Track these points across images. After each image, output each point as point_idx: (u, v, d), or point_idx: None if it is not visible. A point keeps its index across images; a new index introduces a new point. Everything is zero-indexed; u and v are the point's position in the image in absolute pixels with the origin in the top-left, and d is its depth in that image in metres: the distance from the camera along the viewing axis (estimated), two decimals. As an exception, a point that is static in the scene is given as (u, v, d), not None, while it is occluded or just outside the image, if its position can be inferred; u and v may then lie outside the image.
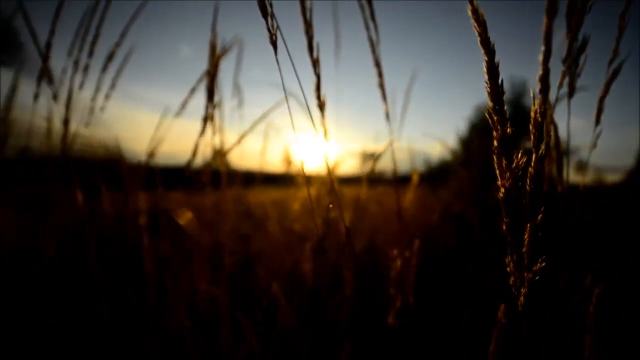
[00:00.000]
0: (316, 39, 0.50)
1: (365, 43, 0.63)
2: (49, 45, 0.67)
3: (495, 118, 0.27)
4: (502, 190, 0.28)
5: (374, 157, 1.56)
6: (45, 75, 0.67)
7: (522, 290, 0.30)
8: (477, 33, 0.24)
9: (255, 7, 0.40)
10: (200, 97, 0.79)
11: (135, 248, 0.84)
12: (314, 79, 0.51)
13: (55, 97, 0.75)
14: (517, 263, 0.30)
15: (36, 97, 0.68)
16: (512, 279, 0.30)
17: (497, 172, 0.28)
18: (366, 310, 0.73)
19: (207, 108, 0.69)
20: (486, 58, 0.25)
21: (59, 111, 0.81)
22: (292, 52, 0.41)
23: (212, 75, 0.69)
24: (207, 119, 0.69)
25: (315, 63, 0.50)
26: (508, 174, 0.28)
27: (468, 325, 0.74)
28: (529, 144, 0.30)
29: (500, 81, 0.25)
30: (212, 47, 0.70)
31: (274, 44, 0.40)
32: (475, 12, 0.24)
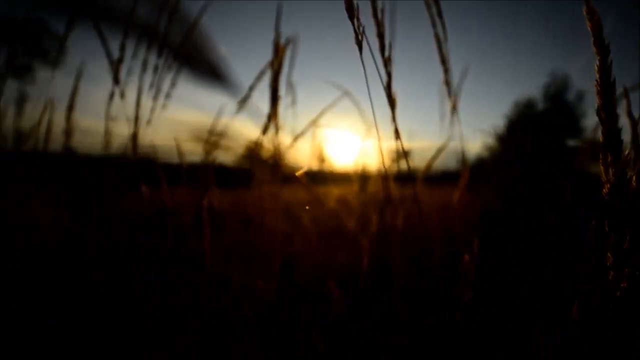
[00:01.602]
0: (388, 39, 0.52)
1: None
2: (123, 47, 0.71)
3: (603, 115, 0.28)
4: (607, 186, 0.29)
5: (407, 155, 1.56)
6: (117, 75, 0.72)
7: (621, 285, 0.32)
8: (591, 34, 0.26)
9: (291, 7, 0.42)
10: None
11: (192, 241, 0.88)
12: (385, 77, 0.53)
13: (122, 95, 0.81)
14: (618, 258, 0.31)
15: (112, 96, 0.73)
16: (611, 273, 0.32)
17: (602, 168, 0.29)
18: (424, 305, 0.74)
19: (271, 106, 0.72)
20: (599, 57, 0.26)
21: (115, 111, 0.86)
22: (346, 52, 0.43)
23: (276, 73, 0.72)
24: (271, 117, 0.72)
25: (387, 61, 0.52)
26: (613, 170, 0.29)
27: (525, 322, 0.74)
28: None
29: (612, 80, 0.27)
30: (276, 46, 0.73)
31: (359, 44, 0.42)
32: (591, 12, 0.26)
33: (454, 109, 0.69)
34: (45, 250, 0.78)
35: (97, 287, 0.79)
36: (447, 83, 0.66)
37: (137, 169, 0.77)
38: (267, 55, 0.81)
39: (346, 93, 0.85)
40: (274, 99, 0.72)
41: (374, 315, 0.77)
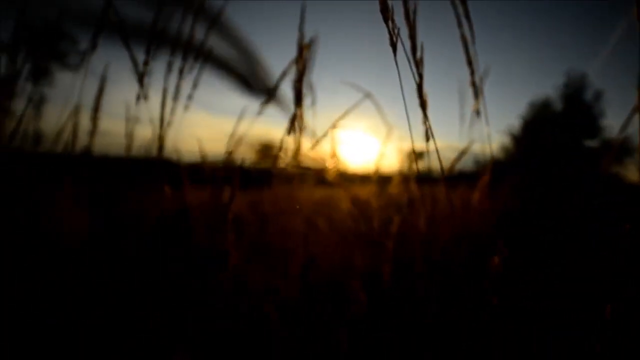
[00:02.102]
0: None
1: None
2: (148, 51, 0.72)
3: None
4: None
5: (423, 156, 1.55)
6: (144, 77, 0.73)
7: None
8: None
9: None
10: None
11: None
12: (416, 78, 0.53)
13: (145, 97, 0.82)
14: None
15: (138, 98, 0.74)
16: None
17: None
18: (449, 307, 0.74)
19: (295, 107, 0.72)
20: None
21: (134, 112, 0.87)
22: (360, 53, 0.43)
23: (300, 74, 0.72)
24: (295, 118, 0.72)
25: (419, 63, 0.52)
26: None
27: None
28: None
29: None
30: (300, 47, 0.73)
31: (394, 45, 0.42)
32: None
33: (479, 111, 0.68)
34: (70, 249, 0.79)
35: (123, 286, 0.80)
36: (474, 84, 0.66)
37: (162, 170, 0.78)
38: (283, 55, 0.82)
39: (367, 95, 0.86)
40: (298, 99, 0.72)
41: (397, 316, 0.77)
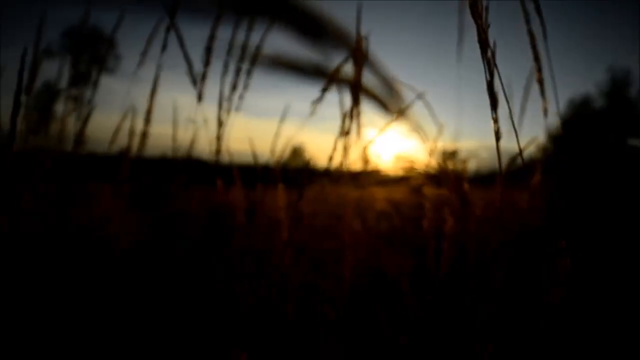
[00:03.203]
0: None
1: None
2: (209, 50, 0.74)
3: None
4: None
5: (455, 155, 1.53)
6: (204, 79, 0.74)
7: None
8: None
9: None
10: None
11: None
12: (487, 76, 0.52)
13: (200, 98, 0.84)
14: None
15: (199, 97, 0.76)
16: None
17: None
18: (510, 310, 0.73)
19: (352, 108, 0.72)
20: None
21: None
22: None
23: (358, 74, 0.72)
24: (352, 117, 0.72)
25: (490, 60, 0.52)
26: None
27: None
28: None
29: None
30: (357, 47, 0.73)
31: (483, 41, 0.42)
32: None
33: (546, 110, 0.67)
34: (129, 249, 0.82)
35: (176, 286, 0.82)
36: (541, 82, 0.65)
37: (217, 170, 0.80)
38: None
39: (420, 95, 0.85)
40: (356, 98, 0.73)
41: (453, 317, 0.77)
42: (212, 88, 0.90)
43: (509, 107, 0.76)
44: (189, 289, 0.77)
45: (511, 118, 0.55)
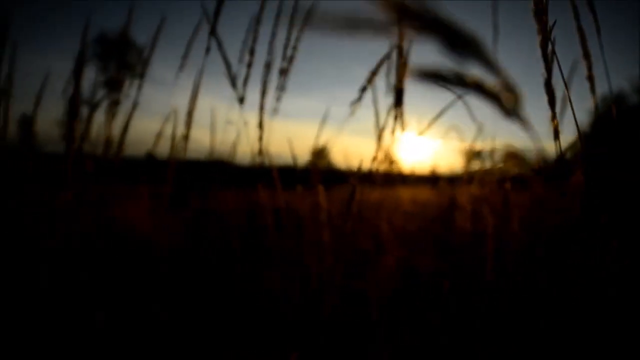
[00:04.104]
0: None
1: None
2: (252, 51, 0.75)
3: None
4: None
5: (480, 155, 1.52)
6: (246, 81, 0.76)
7: None
8: None
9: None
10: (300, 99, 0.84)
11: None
12: (544, 73, 0.52)
13: (242, 100, 0.85)
14: None
15: (242, 100, 0.77)
16: None
17: None
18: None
19: (396, 107, 0.73)
20: None
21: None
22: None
23: (401, 72, 0.73)
24: (397, 117, 0.73)
25: (549, 57, 0.52)
26: None
27: None
28: None
29: None
30: (399, 47, 0.74)
31: (549, 40, 0.42)
32: None
33: (597, 107, 0.66)
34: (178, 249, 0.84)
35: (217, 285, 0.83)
36: (591, 78, 0.64)
37: (258, 172, 0.81)
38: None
39: (460, 96, 0.85)
40: (399, 98, 0.73)
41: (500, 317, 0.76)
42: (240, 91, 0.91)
43: (571, 105, 0.75)
44: (237, 288, 0.78)
45: (554, 118, 0.55)
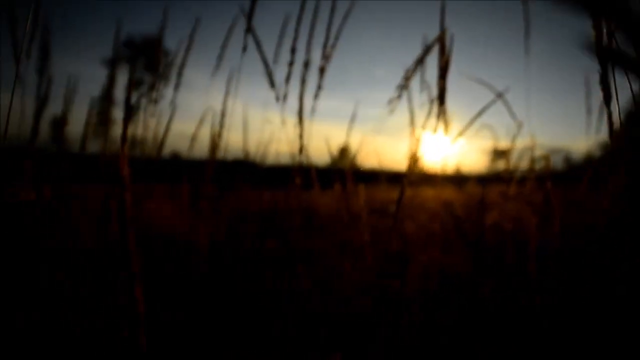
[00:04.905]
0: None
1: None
2: (293, 50, 0.76)
3: None
4: None
5: (506, 154, 1.50)
6: (288, 80, 0.77)
7: None
8: None
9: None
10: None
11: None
12: (599, 69, 0.51)
13: (278, 99, 0.86)
14: None
15: (284, 97, 0.78)
16: None
17: None
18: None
19: (439, 106, 0.73)
20: None
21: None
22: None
23: (443, 71, 0.73)
24: (439, 115, 0.73)
25: (605, 53, 0.51)
26: None
27: None
28: None
29: None
30: (441, 43, 0.73)
31: (598, 33, 0.42)
32: None
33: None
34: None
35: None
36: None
37: (298, 170, 0.82)
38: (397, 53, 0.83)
39: (500, 95, 0.84)
40: (442, 97, 0.73)
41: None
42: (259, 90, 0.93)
43: (617, 102, 0.74)
44: (273, 289, 0.79)
45: (610, 116, 0.54)
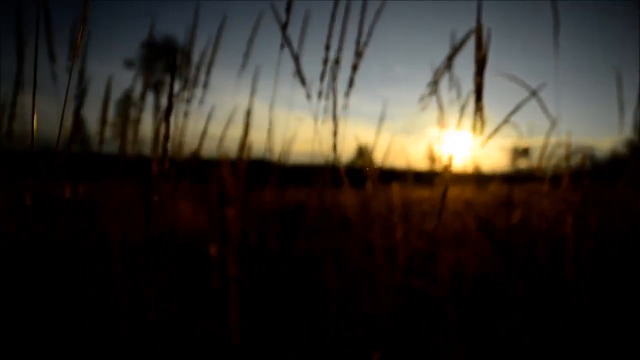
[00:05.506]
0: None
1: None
2: (327, 47, 0.75)
3: None
4: None
5: (528, 153, 1.47)
6: (323, 78, 0.76)
7: None
8: None
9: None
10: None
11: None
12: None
13: (309, 96, 0.85)
14: None
15: (309, 97, 0.78)
16: None
17: None
18: None
19: (476, 103, 0.72)
20: None
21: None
22: None
23: (480, 67, 0.72)
24: (477, 113, 0.72)
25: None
26: None
27: None
28: None
29: None
30: (478, 39, 0.72)
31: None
32: None
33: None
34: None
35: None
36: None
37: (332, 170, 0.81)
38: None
39: (534, 93, 0.82)
40: (479, 94, 0.72)
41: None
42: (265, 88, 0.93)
43: None
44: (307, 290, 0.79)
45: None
